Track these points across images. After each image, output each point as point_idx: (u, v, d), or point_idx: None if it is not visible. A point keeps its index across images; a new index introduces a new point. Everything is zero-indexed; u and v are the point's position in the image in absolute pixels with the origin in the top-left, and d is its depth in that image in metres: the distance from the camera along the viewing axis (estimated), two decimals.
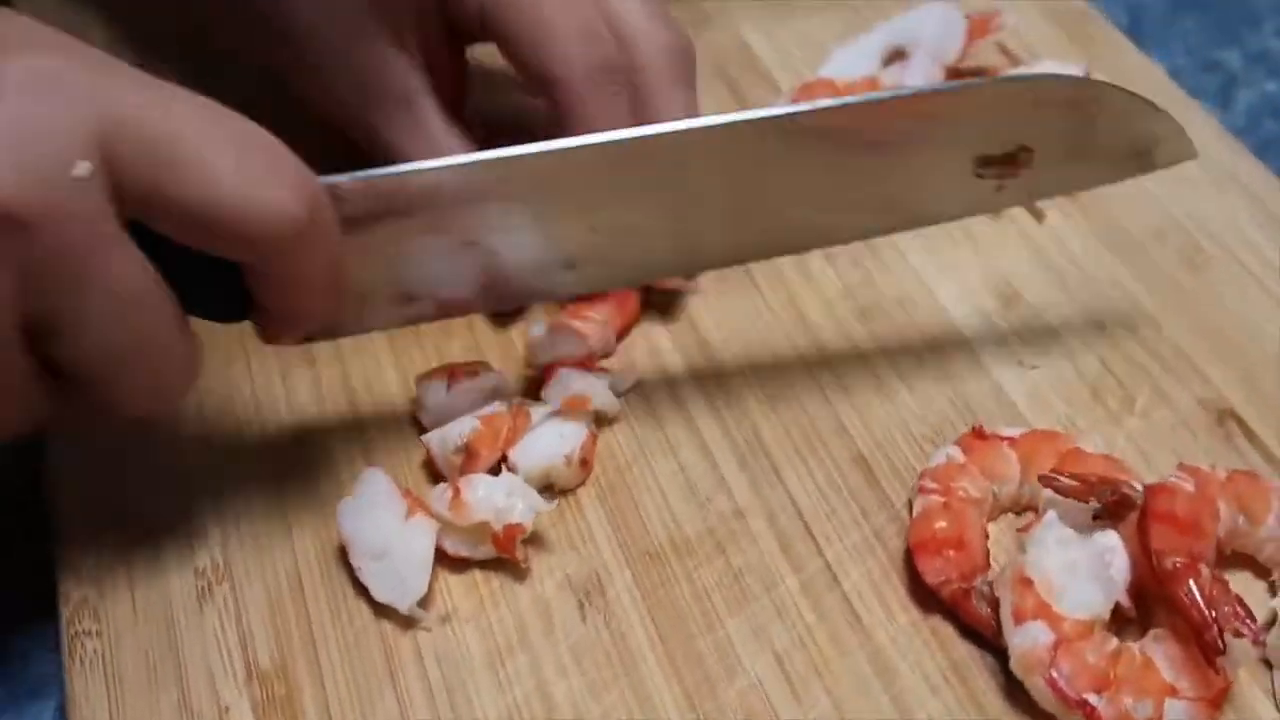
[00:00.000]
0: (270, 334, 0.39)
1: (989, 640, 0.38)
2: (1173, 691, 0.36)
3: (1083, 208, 0.52)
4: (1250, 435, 0.44)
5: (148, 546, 0.41)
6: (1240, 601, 0.37)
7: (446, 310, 0.42)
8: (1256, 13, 0.64)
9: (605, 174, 0.40)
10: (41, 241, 0.32)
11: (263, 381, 0.46)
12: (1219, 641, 0.35)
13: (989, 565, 0.39)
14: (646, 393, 0.45)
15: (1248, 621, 0.36)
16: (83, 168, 0.32)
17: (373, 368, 0.46)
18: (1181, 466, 0.40)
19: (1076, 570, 0.37)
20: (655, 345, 0.47)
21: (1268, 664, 0.38)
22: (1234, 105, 0.59)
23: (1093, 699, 0.36)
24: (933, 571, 0.38)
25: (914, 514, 0.40)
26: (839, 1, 0.62)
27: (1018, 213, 0.51)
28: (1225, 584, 0.37)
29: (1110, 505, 0.38)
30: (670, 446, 0.44)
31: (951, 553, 0.38)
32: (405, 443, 0.44)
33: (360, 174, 0.38)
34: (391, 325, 0.42)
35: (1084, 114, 0.42)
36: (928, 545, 0.39)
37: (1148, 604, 0.38)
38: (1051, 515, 0.38)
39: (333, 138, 0.45)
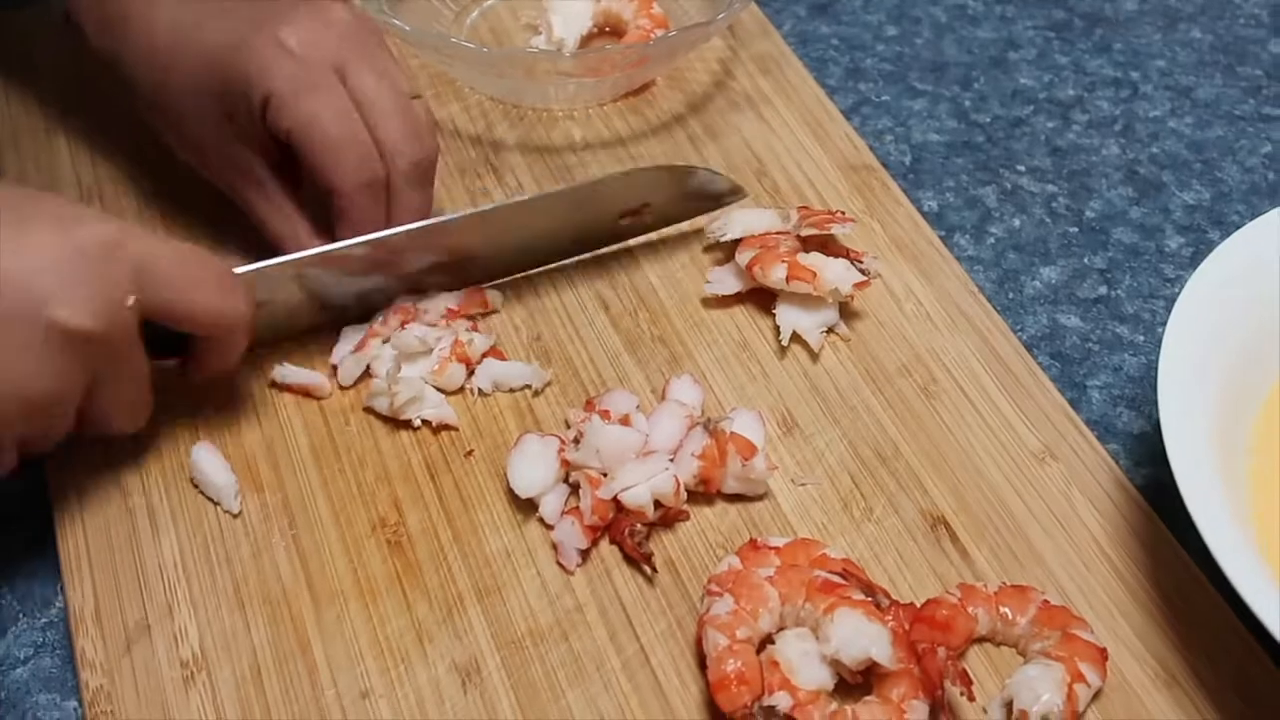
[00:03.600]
0: (201, 375, 0.60)
1: None
2: None
3: (851, 346, 0.67)
4: (954, 539, 0.60)
5: (144, 644, 0.56)
6: (965, 674, 0.52)
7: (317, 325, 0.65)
8: (1014, 155, 0.80)
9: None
10: (105, 348, 0.53)
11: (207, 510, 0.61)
12: (943, 699, 0.52)
13: (763, 690, 0.52)
14: None
15: (969, 687, 0.52)
16: (131, 300, 0.54)
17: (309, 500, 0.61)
18: (960, 585, 0.56)
19: (808, 657, 0.54)
20: None
21: None
22: (985, 239, 0.75)
23: None
24: (728, 702, 0.52)
25: (706, 647, 0.54)
26: (678, 159, 0.77)
27: (798, 351, 0.67)
28: (956, 662, 0.53)
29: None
30: (529, 554, 0.59)
31: (738, 686, 0.52)
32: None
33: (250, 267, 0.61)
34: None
35: (682, 182, 0.68)
36: (723, 683, 0.52)
37: (869, 681, 0.54)
38: (792, 631, 0.54)
39: None
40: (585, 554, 0.58)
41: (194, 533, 0.59)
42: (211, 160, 0.67)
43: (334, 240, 0.63)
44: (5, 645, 0.57)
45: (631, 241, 0.71)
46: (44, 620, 0.58)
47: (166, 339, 0.58)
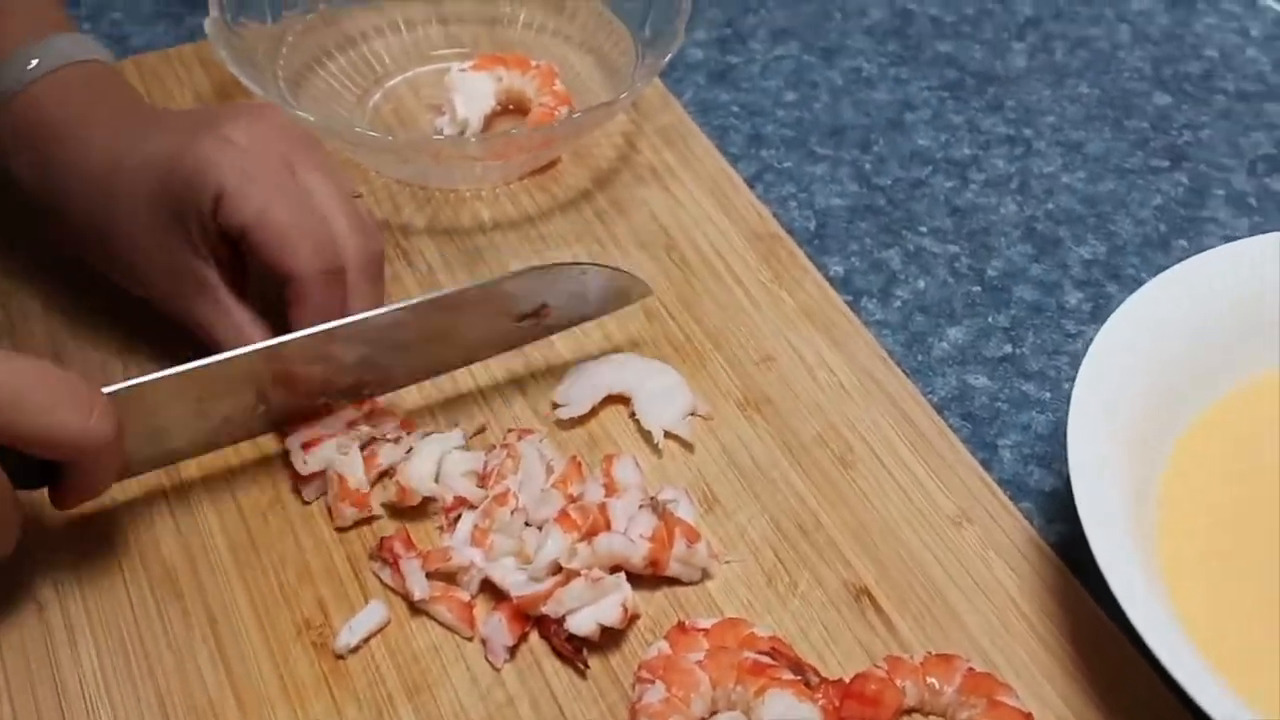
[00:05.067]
0: (68, 503, 0.58)
1: None
2: None
3: (765, 417, 0.68)
4: (878, 608, 0.61)
5: None
6: None
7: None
8: (916, 216, 0.82)
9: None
10: None
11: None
12: None
13: None
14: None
15: None
16: None
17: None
18: (887, 657, 0.57)
19: None
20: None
21: None
22: (892, 302, 0.76)
23: None
24: None
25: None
26: (587, 236, 0.77)
27: (719, 426, 0.68)
28: None
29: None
30: (458, 648, 0.59)
31: None
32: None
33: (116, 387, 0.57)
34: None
35: (581, 281, 0.66)
36: None
37: None
38: (725, 715, 0.54)
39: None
40: (513, 649, 0.58)
41: (113, 645, 0.58)
42: (157, 279, 0.65)
43: None
44: None
45: None
46: None
47: (31, 465, 0.54)
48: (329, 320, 0.61)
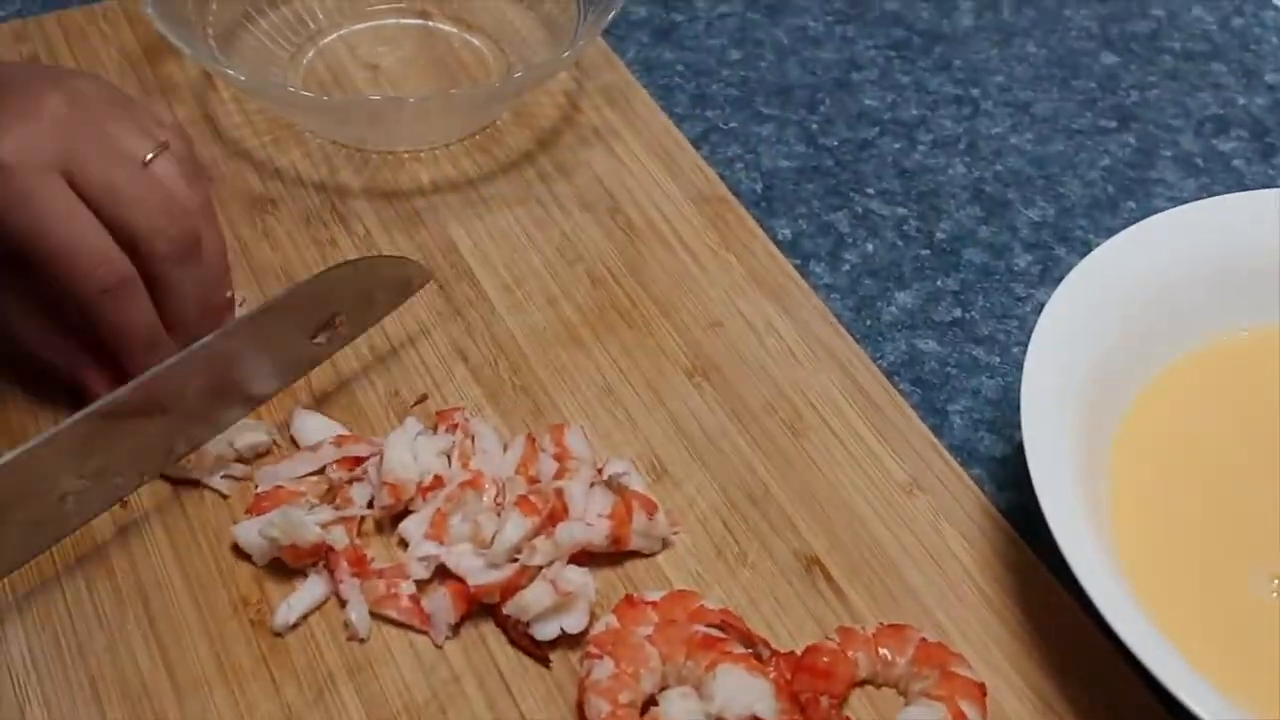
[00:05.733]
0: None
1: None
2: None
3: (714, 385, 0.67)
4: (829, 579, 0.60)
5: None
6: None
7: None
8: (863, 178, 0.80)
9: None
10: None
11: None
12: None
13: None
14: None
15: None
16: None
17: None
18: (839, 629, 0.56)
19: (693, 716, 0.53)
20: None
21: None
22: (840, 266, 0.75)
23: None
24: None
25: (589, 713, 0.53)
26: (529, 198, 0.75)
27: (665, 394, 0.66)
28: (839, 710, 0.54)
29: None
30: (399, 621, 0.57)
31: None
32: None
33: None
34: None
35: (366, 279, 0.63)
36: None
37: None
38: (675, 690, 0.53)
39: None
40: (457, 626, 0.57)
41: (42, 625, 0.56)
42: None
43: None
44: None
45: (486, 287, 0.70)
46: None
47: None
48: (132, 335, 0.58)
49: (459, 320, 0.69)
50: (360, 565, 0.58)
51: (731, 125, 0.83)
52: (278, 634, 0.56)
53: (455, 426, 0.62)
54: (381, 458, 0.60)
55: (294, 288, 0.60)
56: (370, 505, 0.60)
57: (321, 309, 0.61)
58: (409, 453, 0.60)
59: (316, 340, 0.62)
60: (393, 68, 0.82)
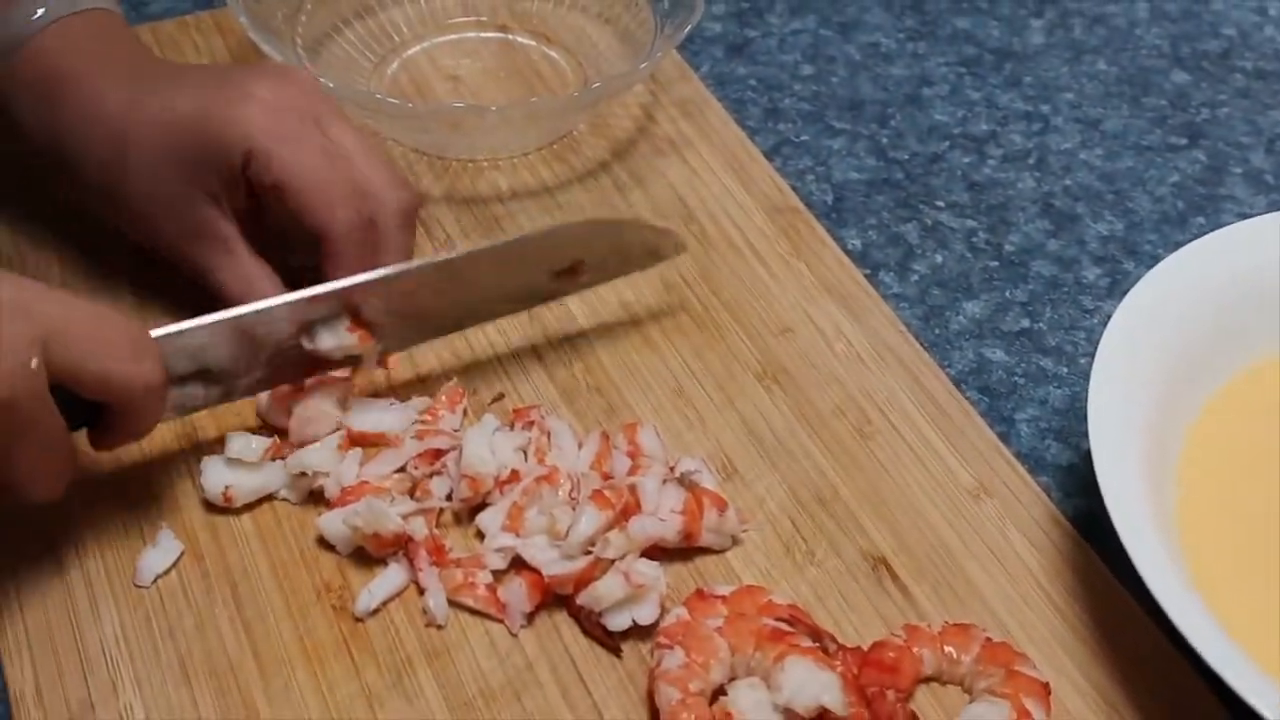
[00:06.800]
0: (107, 444, 0.58)
1: None
2: None
3: (784, 388, 0.68)
4: (895, 578, 0.61)
5: None
6: (914, 716, 0.54)
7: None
8: (933, 190, 0.81)
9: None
10: (10, 413, 0.50)
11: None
12: None
13: None
14: None
15: None
16: (35, 363, 0.51)
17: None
18: (905, 626, 0.57)
19: (761, 707, 0.54)
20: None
21: None
22: (909, 276, 0.76)
23: None
24: None
25: (659, 702, 0.54)
26: (605, 207, 0.77)
27: (737, 396, 0.68)
28: (905, 704, 0.55)
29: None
30: (476, 612, 0.59)
31: None
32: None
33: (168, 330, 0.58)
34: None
35: (617, 237, 0.67)
36: None
37: None
38: (744, 681, 0.55)
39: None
40: (531, 616, 0.58)
41: (134, 607, 0.59)
42: (172, 231, 0.65)
43: None
44: None
45: None
46: None
47: (77, 407, 0.55)
48: (363, 272, 0.61)
49: (536, 323, 0.70)
50: (439, 555, 0.59)
51: (803, 138, 0.84)
52: (358, 619, 0.58)
53: (531, 423, 0.64)
54: (460, 452, 0.61)
55: (552, 229, 0.68)
56: (449, 498, 0.62)
57: (571, 254, 0.66)
58: (487, 448, 0.61)
59: (558, 280, 0.67)
60: (473, 78, 0.84)
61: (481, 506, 0.61)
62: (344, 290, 0.61)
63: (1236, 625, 0.55)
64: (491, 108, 0.76)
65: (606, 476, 0.62)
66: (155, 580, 0.59)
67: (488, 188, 0.78)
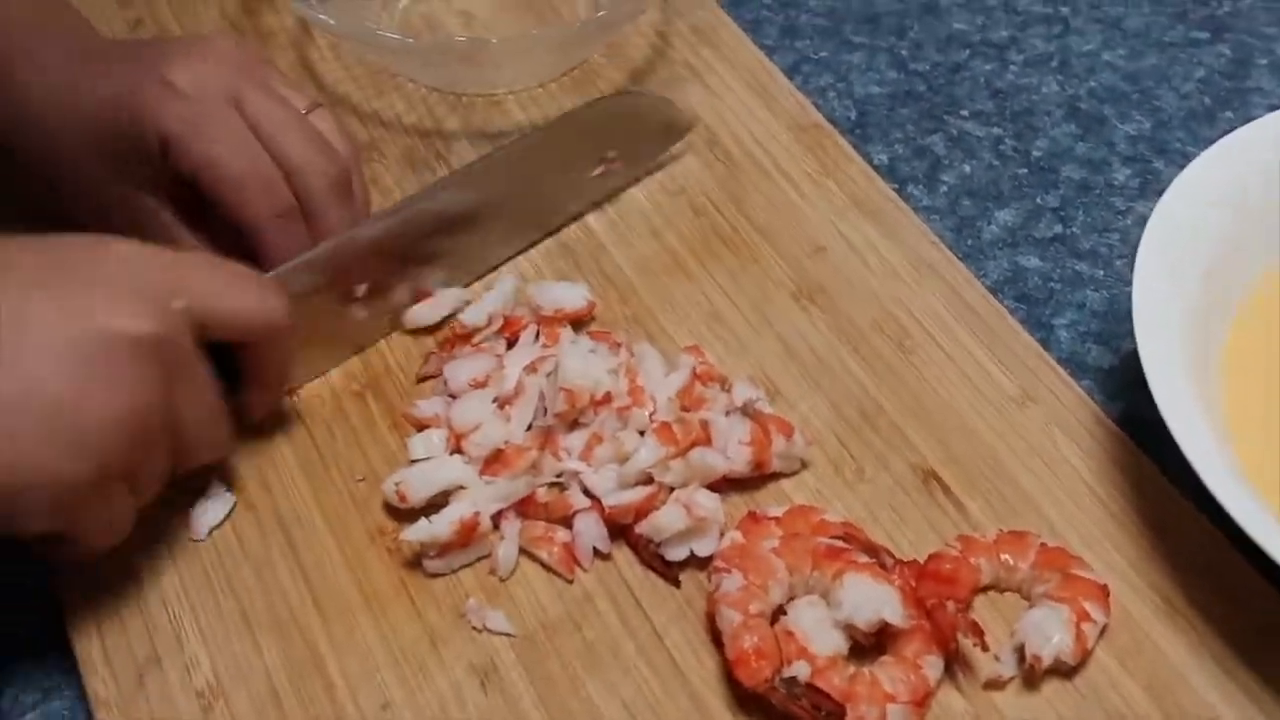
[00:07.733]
0: (255, 406, 0.60)
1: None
2: (892, 699, 0.53)
3: (821, 307, 0.68)
4: (946, 490, 0.61)
5: (156, 677, 0.55)
6: (975, 625, 0.54)
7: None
8: (957, 100, 0.81)
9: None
10: (169, 353, 0.52)
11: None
12: (957, 652, 0.54)
13: (782, 661, 0.53)
14: None
15: (981, 638, 0.53)
16: (180, 304, 0.53)
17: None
18: (960, 537, 0.57)
19: (822, 624, 0.54)
20: None
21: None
22: (938, 188, 0.76)
23: None
24: (748, 677, 0.53)
25: (721, 624, 0.54)
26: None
27: (773, 316, 0.67)
28: (966, 614, 0.55)
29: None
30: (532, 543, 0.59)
31: (758, 661, 0.53)
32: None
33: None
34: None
35: (635, 119, 0.72)
36: (742, 659, 0.53)
37: (883, 641, 0.55)
38: (803, 600, 0.55)
39: None
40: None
41: (191, 560, 0.59)
42: (118, 224, 0.62)
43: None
44: (13, 691, 0.56)
45: (591, 221, 0.71)
46: (50, 663, 0.57)
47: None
48: (301, 252, 0.62)
49: (567, 254, 0.70)
50: (528, 502, 0.59)
51: (822, 55, 0.83)
52: (415, 553, 0.58)
53: (619, 345, 0.63)
54: (558, 366, 0.61)
55: (560, 117, 0.70)
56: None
57: (592, 144, 0.69)
58: (584, 362, 0.61)
59: (596, 172, 0.70)
60: (485, 13, 0.83)
61: (574, 425, 0.61)
62: (282, 274, 0.61)
63: None
64: (493, 40, 0.75)
65: (685, 408, 0.61)
66: (210, 533, 0.60)
67: (507, 121, 0.78)
